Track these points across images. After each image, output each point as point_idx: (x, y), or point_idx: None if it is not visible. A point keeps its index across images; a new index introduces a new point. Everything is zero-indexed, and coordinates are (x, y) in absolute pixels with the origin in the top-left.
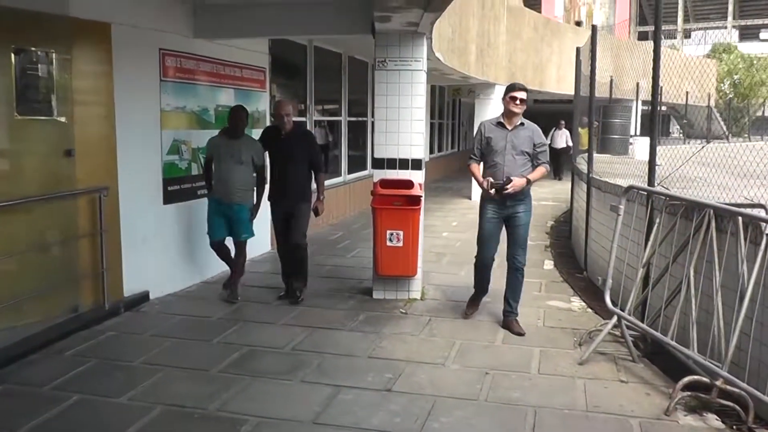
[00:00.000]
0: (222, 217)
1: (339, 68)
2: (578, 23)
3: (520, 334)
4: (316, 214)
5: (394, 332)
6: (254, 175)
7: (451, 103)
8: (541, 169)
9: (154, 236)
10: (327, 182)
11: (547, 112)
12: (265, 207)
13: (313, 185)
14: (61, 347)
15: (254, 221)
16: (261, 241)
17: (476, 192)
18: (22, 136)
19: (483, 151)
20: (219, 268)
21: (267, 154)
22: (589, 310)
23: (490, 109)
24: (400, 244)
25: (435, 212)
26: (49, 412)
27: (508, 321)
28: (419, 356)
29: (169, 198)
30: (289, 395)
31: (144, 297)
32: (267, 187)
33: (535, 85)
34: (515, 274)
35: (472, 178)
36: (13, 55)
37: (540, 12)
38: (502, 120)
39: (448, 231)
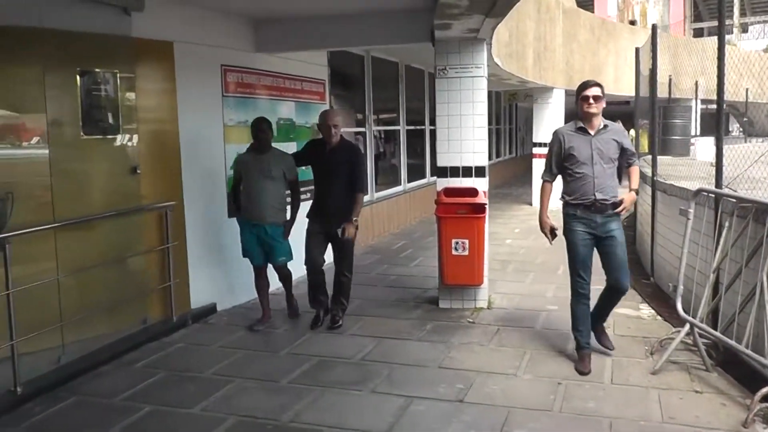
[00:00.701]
0: (256, 240)
1: (396, 77)
2: (632, 22)
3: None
4: (342, 235)
5: (462, 342)
6: (287, 191)
7: (507, 108)
8: (637, 172)
9: (220, 249)
10: (387, 191)
11: (604, 114)
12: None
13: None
14: (131, 359)
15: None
16: None
17: (538, 198)
18: (89, 155)
19: (563, 165)
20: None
21: (311, 168)
22: (659, 317)
23: (548, 113)
24: (466, 252)
25: (496, 219)
26: (121, 423)
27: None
28: (490, 366)
29: (233, 211)
30: (361, 406)
31: (211, 309)
32: (303, 202)
33: None
34: (617, 295)
35: (541, 200)
36: (78, 77)
37: (593, 12)
38: (582, 125)
39: (511, 238)
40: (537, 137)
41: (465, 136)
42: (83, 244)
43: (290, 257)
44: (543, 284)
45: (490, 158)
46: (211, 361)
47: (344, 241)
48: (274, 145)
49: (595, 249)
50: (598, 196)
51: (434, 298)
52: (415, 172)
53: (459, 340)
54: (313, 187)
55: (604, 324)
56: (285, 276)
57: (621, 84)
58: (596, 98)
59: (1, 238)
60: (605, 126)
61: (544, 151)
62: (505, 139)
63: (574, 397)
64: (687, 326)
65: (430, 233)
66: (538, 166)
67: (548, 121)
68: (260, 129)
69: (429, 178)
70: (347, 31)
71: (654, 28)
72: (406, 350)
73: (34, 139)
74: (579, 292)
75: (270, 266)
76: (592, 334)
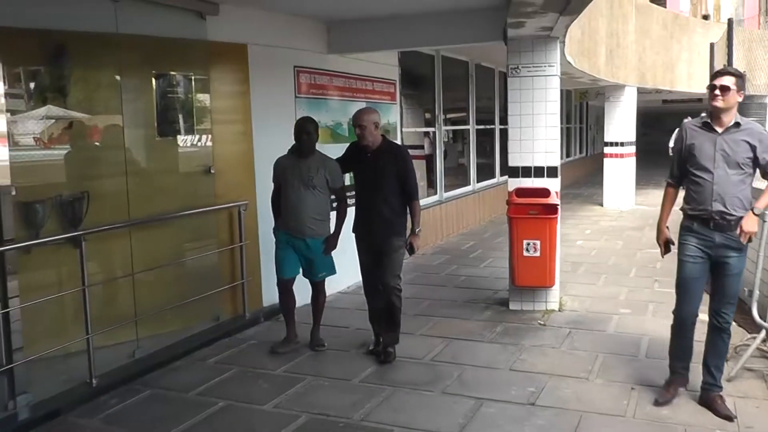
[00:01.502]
0: (294, 251)
1: (466, 76)
2: (705, 17)
3: (729, 417)
4: (411, 251)
5: (534, 344)
6: (331, 199)
7: (578, 106)
8: None
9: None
10: (456, 191)
11: (677, 111)
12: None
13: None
14: (204, 355)
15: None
16: None
17: (609, 198)
18: (163, 155)
19: (685, 166)
20: (354, 278)
21: (352, 176)
22: (734, 323)
23: (619, 111)
24: (537, 254)
25: (567, 220)
26: (195, 417)
27: (711, 397)
28: (562, 369)
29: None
30: (431, 406)
31: None
32: (348, 214)
33: (666, 85)
34: (720, 335)
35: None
36: (153, 80)
37: (665, 7)
38: (708, 120)
39: (582, 239)
40: (608, 136)
41: (537, 135)
42: (157, 242)
43: (332, 271)
44: (615, 287)
45: (560, 158)
46: (283, 359)
47: (387, 252)
48: (331, 147)
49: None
50: (716, 207)
51: (505, 300)
52: (485, 172)
53: (530, 343)
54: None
55: (716, 381)
56: (320, 295)
57: (694, 80)
58: (723, 89)
59: (77, 235)
60: (737, 124)
61: (616, 150)
62: (575, 138)
63: (647, 403)
64: (763, 332)
65: (500, 233)
66: (610, 166)
67: (620, 119)
68: (305, 130)
69: (498, 178)
70: (419, 31)
71: (730, 22)
72: (476, 352)
73: (110, 141)
74: (676, 317)
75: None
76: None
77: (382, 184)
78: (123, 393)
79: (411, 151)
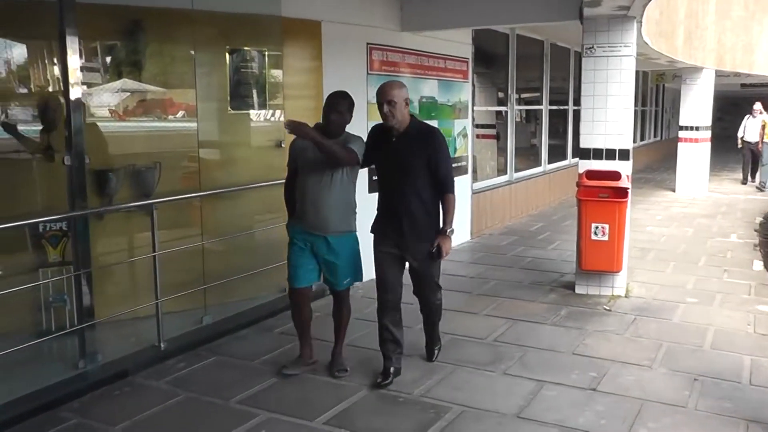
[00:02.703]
0: (311, 253)
1: (541, 56)
2: None
3: None
4: (438, 255)
5: (597, 329)
6: (354, 191)
7: (654, 88)
8: None
9: (360, 224)
10: (527, 172)
11: (756, 96)
12: None
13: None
14: (269, 325)
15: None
16: (461, 229)
17: (681, 184)
18: (235, 129)
19: None
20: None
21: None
22: None
23: (695, 94)
24: (606, 238)
25: (637, 205)
26: (260, 384)
27: None
28: (624, 356)
29: (373, 187)
30: (491, 387)
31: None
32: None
33: (744, 68)
34: None
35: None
36: (227, 55)
37: None
38: None
39: (652, 225)
40: (683, 120)
41: (610, 117)
42: (227, 213)
43: (357, 277)
44: (683, 275)
45: (634, 141)
46: (347, 332)
47: (422, 262)
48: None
49: None
50: None
51: (570, 283)
52: (556, 154)
53: (594, 328)
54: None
55: None
56: (344, 307)
57: None
58: None
59: (149, 204)
60: None
61: (691, 135)
62: (650, 121)
63: (710, 395)
64: None
65: (570, 216)
66: (684, 150)
67: (696, 102)
68: (336, 108)
69: (570, 160)
70: (494, 9)
71: None
72: (539, 334)
73: (184, 114)
74: None
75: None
76: None
77: (411, 175)
78: (190, 357)
79: (481, 131)
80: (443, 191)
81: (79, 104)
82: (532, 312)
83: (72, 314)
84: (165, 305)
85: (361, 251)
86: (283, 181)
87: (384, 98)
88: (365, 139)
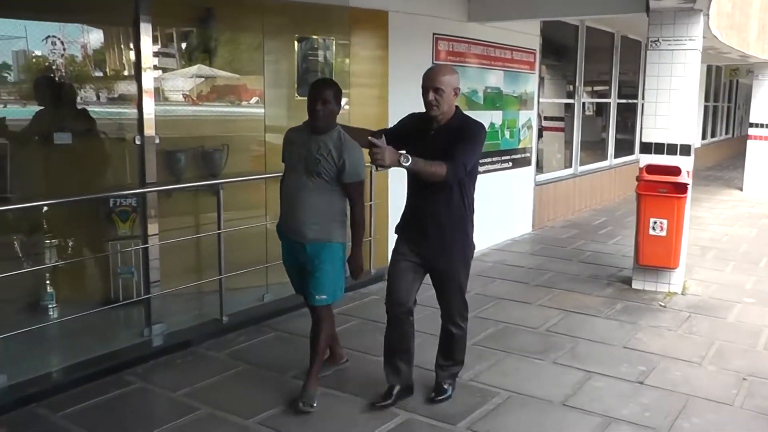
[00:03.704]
0: (296, 262)
1: (610, 48)
2: None
3: None
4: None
5: (651, 325)
6: (343, 197)
7: (727, 84)
8: None
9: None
10: (592, 165)
11: None
12: None
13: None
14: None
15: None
16: (522, 220)
17: (749, 183)
18: (302, 115)
19: None
20: (484, 243)
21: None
22: None
23: (765, 90)
24: (664, 233)
25: (702, 203)
26: None
27: None
28: (675, 352)
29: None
30: (540, 374)
31: None
32: (359, 226)
33: None
34: None
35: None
36: (296, 43)
37: None
38: None
39: (715, 224)
40: (754, 117)
41: (673, 112)
42: None
43: (333, 297)
44: (743, 275)
45: (704, 137)
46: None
47: (450, 278)
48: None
49: None
50: None
51: (628, 278)
52: (623, 148)
53: (647, 323)
54: None
55: None
56: (319, 326)
57: None
58: None
59: (216, 184)
60: None
61: (761, 132)
62: (721, 117)
63: (757, 395)
64: None
65: (633, 212)
66: (753, 148)
67: (765, 98)
68: (321, 97)
69: (637, 155)
70: (560, 1)
71: None
72: (592, 326)
73: (252, 99)
74: None
75: None
76: None
77: None
78: (250, 332)
79: (549, 123)
80: (447, 158)
81: (151, 88)
82: (587, 305)
83: (139, 286)
84: (228, 282)
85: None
86: None
87: (431, 84)
88: (399, 122)
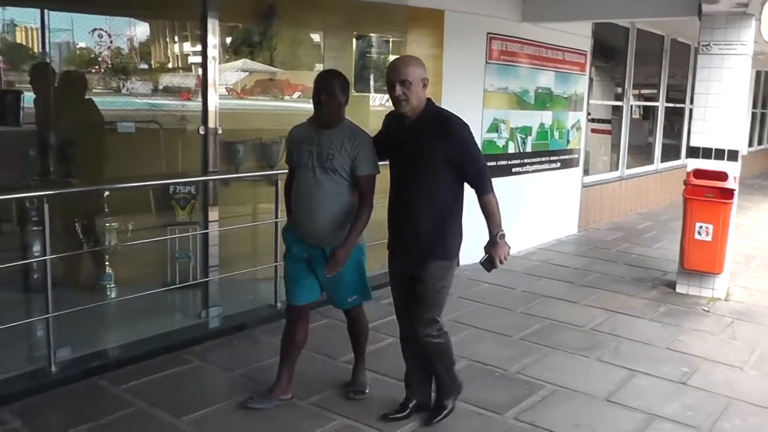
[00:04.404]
0: (307, 266)
1: (660, 51)
2: None
3: None
4: (490, 266)
5: (694, 328)
6: (355, 192)
7: None
8: None
9: (468, 208)
10: (639, 169)
11: None
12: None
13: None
14: (380, 296)
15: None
16: (568, 221)
17: None
18: (358, 109)
19: None
20: (530, 242)
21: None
22: None
23: None
24: (709, 238)
25: (748, 210)
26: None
27: None
28: (717, 356)
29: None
30: (584, 370)
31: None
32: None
33: None
34: None
35: None
36: (354, 41)
37: None
38: None
39: (760, 232)
40: None
41: (722, 117)
42: None
43: (364, 296)
44: None
45: (750, 145)
46: (450, 309)
47: (424, 281)
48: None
49: None
50: None
51: (672, 282)
52: (670, 152)
53: (690, 326)
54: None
55: None
56: (356, 324)
57: None
58: None
59: (274, 174)
60: None
61: None
62: None
63: None
64: None
65: (679, 217)
66: None
67: None
68: (325, 88)
69: (684, 160)
70: (614, 3)
71: None
72: (636, 327)
73: (310, 94)
74: None
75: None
76: None
77: (421, 173)
78: None
79: (597, 125)
80: (478, 194)
81: (215, 81)
82: (631, 306)
83: (196, 270)
84: (282, 269)
85: None
86: None
87: (396, 77)
88: (381, 126)
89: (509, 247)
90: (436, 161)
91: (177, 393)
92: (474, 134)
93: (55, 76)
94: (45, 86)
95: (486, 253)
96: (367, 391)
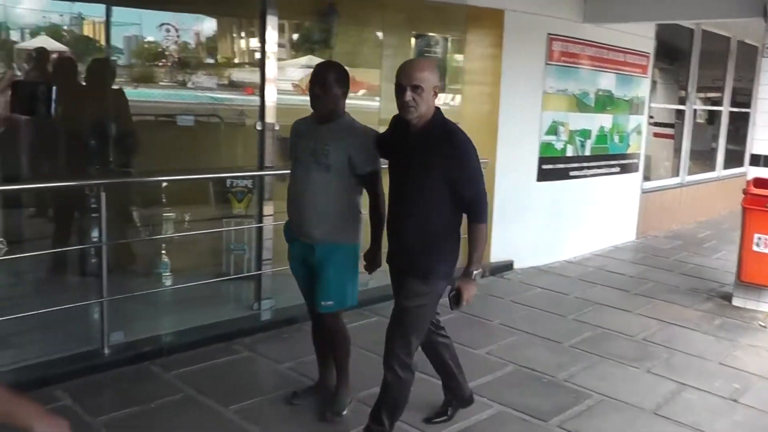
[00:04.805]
0: (302, 264)
1: (725, 53)
2: None
3: None
4: (456, 303)
5: (750, 344)
6: (355, 191)
7: None
8: None
9: (524, 210)
10: (700, 176)
11: None
12: None
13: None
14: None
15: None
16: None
17: None
18: None
19: None
20: (586, 247)
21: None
22: None
23: None
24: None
25: None
26: None
27: None
28: None
29: (542, 176)
30: (634, 381)
31: (508, 266)
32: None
33: None
34: None
35: None
36: (412, 40)
37: None
38: None
39: None
40: None
41: None
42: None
43: (341, 304)
44: None
45: None
46: (502, 313)
47: (405, 302)
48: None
49: None
50: None
51: (728, 295)
52: (734, 159)
53: (746, 341)
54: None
55: None
56: (331, 335)
57: None
58: None
59: None
60: None
61: None
62: None
63: None
64: None
65: (739, 227)
66: None
67: None
68: (319, 80)
69: (748, 167)
70: (677, 3)
71: None
72: (689, 339)
73: (368, 92)
74: None
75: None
76: None
77: (417, 186)
78: (353, 315)
79: (658, 129)
80: (471, 220)
81: (274, 77)
82: (685, 317)
83: (250, 262)
84: None
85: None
86: None
87: (408, 81)
88: (387, 128)
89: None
90: (435, 176)
91: (225, 382)
92: (533, 134)
93: (113, 70)
94: (100, 79)
95: (454, 288)
96: (344, 413)
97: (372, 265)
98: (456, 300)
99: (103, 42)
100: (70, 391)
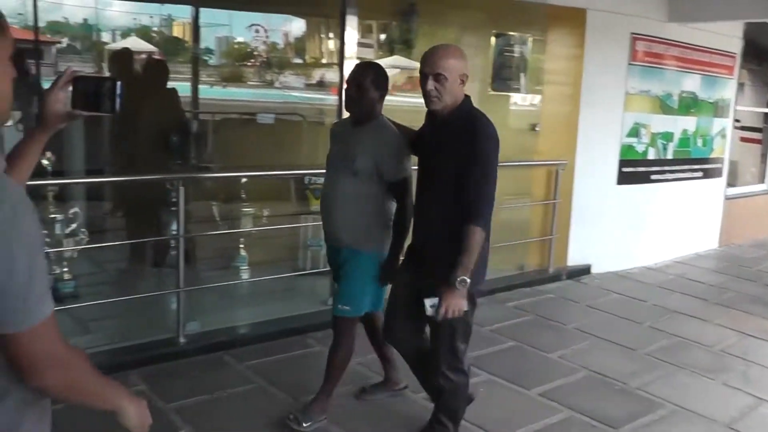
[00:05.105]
0: (334, 267)
1: None
2: None
3: None
4: (435, 313)
5: None
6: (385, 198)
7: None
8: None
9: (603, 214)
10: (743, 189)
11: None
12: None
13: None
14: (504, 298)
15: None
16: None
17: None
18: (494, 109)
19: None
20: (666, 254)
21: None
22: None
23: None
24: None
25: None
26: (485, 349)
27: None
28: None
29: (622, 179)
30: (708, 393)
31: (586, 270)
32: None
33: None
34: None
35: None
36: (492, 39)
37: None
38: None
39: None
40: None
41: None
42: None
43: (358, 310)
44: None
45: None
46: (576, 317)
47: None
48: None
49: None
50: None
51: None
52: None
53: None
54: None
55: None
56: (336, 336)
57: None
58: None
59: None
60: None
61: None
62: None
63: None
64: None
65: None
66: None
67: None
68: (355, 81)
69: None
70: None
71: None
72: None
73: None
74: None
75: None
76: None
77: (440, 179)
78: None
79: (746, 133)
80: (465, 216)
81: None
82: (765, 329)
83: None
84: None
85: None
86: (534, 163)
87: (429, 69)
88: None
89: (465, 302)
90: (452, 168)
91: (296, 375)
92: (615, 136)
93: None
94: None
95: (437, 299)
96: (305, 426)
97: (386, 276)
98: (437, 309)
99: (191, 42)
100: (144, 377)
